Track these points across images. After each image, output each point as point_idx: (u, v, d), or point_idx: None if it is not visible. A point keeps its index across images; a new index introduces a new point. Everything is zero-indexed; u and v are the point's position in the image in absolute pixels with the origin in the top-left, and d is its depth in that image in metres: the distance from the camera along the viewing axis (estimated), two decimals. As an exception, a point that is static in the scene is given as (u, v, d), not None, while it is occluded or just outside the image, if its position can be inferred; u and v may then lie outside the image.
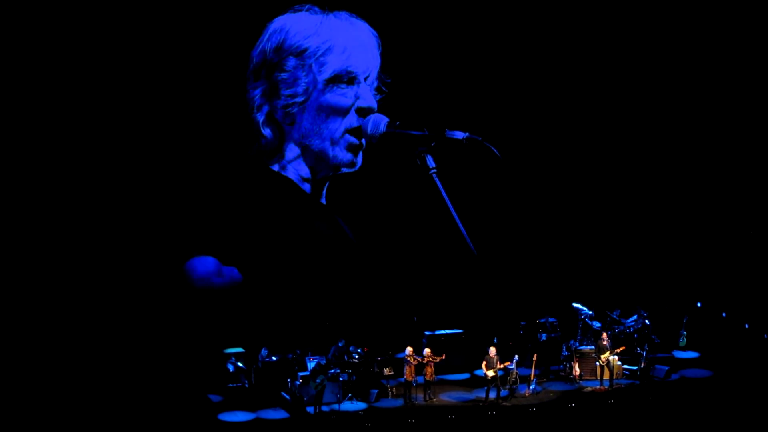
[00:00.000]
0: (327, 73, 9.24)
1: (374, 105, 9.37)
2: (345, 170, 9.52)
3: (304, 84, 9.23)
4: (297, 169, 9.49)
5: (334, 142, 9.38)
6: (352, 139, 9.38)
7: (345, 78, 9.27)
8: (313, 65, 9.22)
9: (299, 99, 9.24)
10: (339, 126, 9.34)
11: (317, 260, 9.36)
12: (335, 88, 9.25)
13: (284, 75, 9.24)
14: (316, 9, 9.35)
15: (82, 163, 9.32)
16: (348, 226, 9.73)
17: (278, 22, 9.32)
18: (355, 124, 9.30)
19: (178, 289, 9.14)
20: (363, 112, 9.29)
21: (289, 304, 9.46)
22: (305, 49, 9.23)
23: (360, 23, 9.46)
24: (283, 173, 9.48)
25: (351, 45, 9.28)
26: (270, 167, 9.49)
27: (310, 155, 9.44)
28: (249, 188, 9.33)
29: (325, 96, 9.28)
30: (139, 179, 9.37)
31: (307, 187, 9.57)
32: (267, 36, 9.32)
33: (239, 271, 9.22)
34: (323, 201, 9.72)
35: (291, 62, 9.23)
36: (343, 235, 9.65)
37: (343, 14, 9.39)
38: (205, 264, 9.04)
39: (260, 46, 9.35)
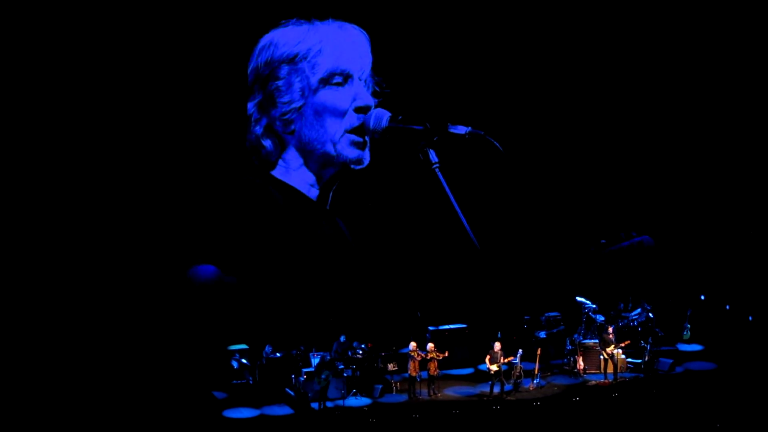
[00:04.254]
0: (321, 72, 9.20)
1: (371, 103, 9.32)
2: (354, 167, 9.43)
3: (298, 88, 9.20)
4: (302, 177, 9.51)
5: (335, 143, 9.34)
6: (354, 137, 9.34)
7: (340, 77, 9.23)
8: (306, 68, 9.19)
9: (296, 104, 9.22)
10: (338, 127, 9.26)
11: (317, 264, 9.37)
12: (330, 88, 9.20)
13: (279, 83, 9.22)
14: (302, 21, 9.38)
15: (89, 170, 9.35)
16: (350, 228, 9.73)
17: (266, 38, 9.34)
18: (356, 123, 9.24)
19: (180, 293, 9.19)
20: (362, 111, 9.22)
21: (289, 304, 9.50)
22: (296, 55, 9.21)
23: (348, 26, 9.40)
24: (287, 182, 9.50)
25: (342, 45, 9.22)
26: (273, 175, 9.52)
27: (313, 161, 9.43)
28: (251, 198, 9.34)
29: (321, 97, 9.23)
30: (144, 188, 9.40)
31: (314, 193, 9.56)
32: (257, 52, 9.36)
33: (239, 280, 9.28)
34: (327, 206, 9.70)
35: (284, 70, 9.23)
36: (344, 239, 9.64)
37: (330, 21, 9.36)
38: (206, 272, 9.10)
39: (252, 64, 9.38)
